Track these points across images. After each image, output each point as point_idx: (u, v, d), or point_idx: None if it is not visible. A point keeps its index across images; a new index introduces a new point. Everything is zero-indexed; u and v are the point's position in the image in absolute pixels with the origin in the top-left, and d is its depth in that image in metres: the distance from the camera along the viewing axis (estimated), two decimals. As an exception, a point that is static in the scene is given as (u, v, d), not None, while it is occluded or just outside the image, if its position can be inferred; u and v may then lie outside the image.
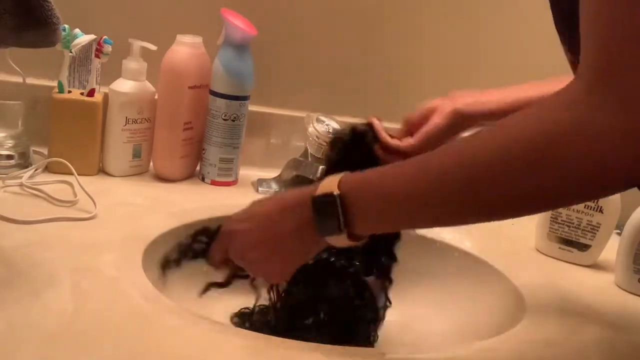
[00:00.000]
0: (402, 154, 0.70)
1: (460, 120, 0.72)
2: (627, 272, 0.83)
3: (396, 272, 0.92)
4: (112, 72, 0.88)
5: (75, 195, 0.79)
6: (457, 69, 1.10)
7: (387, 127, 1.07)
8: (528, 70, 1.13)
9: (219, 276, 0.85)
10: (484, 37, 1.10)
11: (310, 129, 0.85)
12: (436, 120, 0.72)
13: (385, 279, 0.72)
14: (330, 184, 0.54)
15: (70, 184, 0.82)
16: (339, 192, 0.53)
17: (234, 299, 0.86)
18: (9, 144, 0.85)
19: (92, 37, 0.86)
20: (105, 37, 0.85)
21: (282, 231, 0.58)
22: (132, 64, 0.87)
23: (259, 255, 0.60)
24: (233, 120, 0.91)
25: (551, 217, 0.87)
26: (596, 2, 0.44)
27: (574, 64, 0.54)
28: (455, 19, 1.08)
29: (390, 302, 0.73)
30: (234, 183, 0.95)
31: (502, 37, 1.11)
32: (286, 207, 0.58)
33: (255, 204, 0.63)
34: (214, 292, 0.84)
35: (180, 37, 0.88)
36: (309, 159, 0.86)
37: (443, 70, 1.10)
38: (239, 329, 0.71)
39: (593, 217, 0.86)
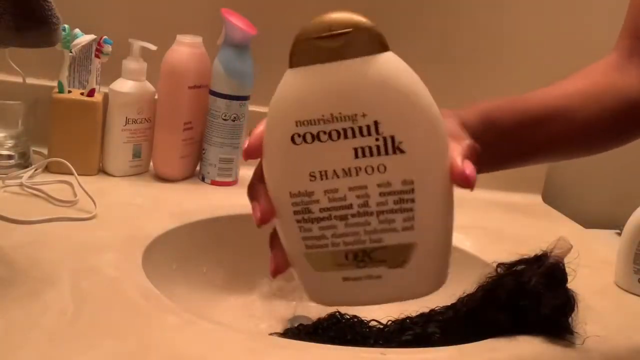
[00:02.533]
0: None
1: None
2: (627, 272, 0.83)
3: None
4: (112, 72, 0.88)
5: (75, 195, 0.79)
6: (458, 68, 1.10)
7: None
8: (533, 68, 1.13)
9: (219, 277, 0.85)
10: (486, 37, 1.10)
11: (310, 129, 0.85)
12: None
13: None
14: None
15: (70, 184, 0.82)
16: None
17: (234, 299, 0.86)
18: (9, 144, 0.85)
19: (92, 37, 0.86)
20: (105, 37, 0.85)
21: None
22: (132, 64, 0.87)
23: None
24: (233, 120, 0.91)
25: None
26: None
27: None
28: (456, 17, 1.08)
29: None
30: (234, 183, 0.95)
31: (503, 35, 1.11)
32: None
33: None
34: (214, 292, 0.84)
35: (180, 37, 0.88)
36: (309, 159, 0.86)
37: (443, 70, 1.10)
38: (238, 328, 0.71)
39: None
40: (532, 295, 0.65)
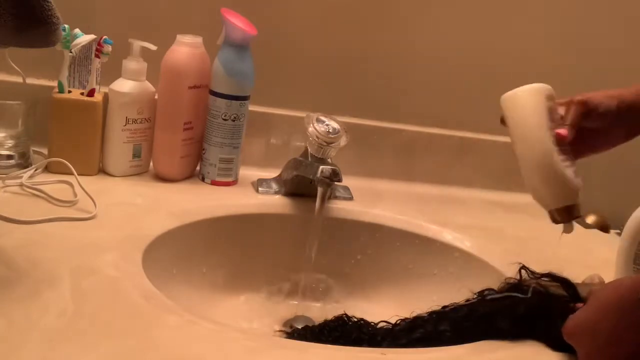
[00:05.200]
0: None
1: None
2: (627, 272, 0.83)
3: (396, 272, 0.93)
4: (112, 72, 0.88)
5: (75, 195, 0.79)
6: (458, 69, 1.10)
7: (388, 127, 1.08)
8: (532, 69, 1.13)
9: (219, 277, 0.85)
10: (485, 36, 1.10)
11: (310, 129, 0.85)
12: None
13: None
14: None
15: (70, 184, 0.82)
16: None
17: (234, 299, 0.86)
18: (9, 144, 0.85)
19: (92, 37, 0.86)
20: (105, 37, 0.85)
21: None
22: (132, 64, 0.87)
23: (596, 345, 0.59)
24: (233, 120, 0.91)
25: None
26: None
27: None
28: (456, 17, 1.08)
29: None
30: (234, 183, 0.95)
31: (504, 36, 1.11)
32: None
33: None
34: (214, 292, 0.84)
35: (180, 37, 0.88)
36: (309, 159, 0.86)
37: (444, 70, 1.10)
38: (238, 328, 0.71)
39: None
40: (555, 318, 0.64)
